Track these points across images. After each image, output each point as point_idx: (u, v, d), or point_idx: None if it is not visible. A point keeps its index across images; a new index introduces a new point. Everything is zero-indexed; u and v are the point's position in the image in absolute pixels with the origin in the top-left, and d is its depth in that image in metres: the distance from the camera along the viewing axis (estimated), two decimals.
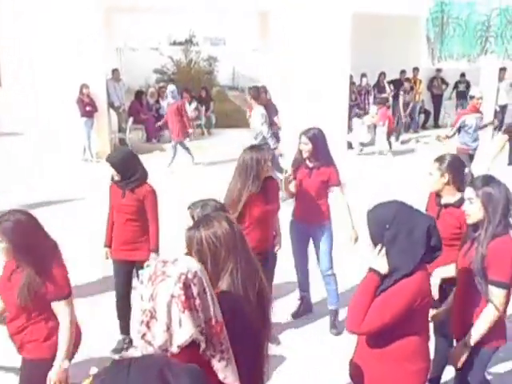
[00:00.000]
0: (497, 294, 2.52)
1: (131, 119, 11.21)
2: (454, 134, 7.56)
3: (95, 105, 10.29)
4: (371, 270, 2.24)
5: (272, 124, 7.66)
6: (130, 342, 4.09)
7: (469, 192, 2.66)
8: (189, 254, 1.93)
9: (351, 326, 2.25)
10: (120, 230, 3.95)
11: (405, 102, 12.84)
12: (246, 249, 2.01)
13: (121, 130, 11.67)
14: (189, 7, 11.37)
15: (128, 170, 3.80)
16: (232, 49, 21.70)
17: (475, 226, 2.65)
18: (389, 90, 12.81)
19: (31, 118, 10.30)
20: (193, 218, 2.61)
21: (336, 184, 4.29)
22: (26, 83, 10.24)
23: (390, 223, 2.19)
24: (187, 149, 9.94)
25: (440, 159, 3.27)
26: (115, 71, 11.45)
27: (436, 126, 14.10)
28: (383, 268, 2.21)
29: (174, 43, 21.03)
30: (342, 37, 10.77)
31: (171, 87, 10.29)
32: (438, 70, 13.57)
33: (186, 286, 1.54)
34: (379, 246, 2.23)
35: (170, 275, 1.54)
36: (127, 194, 3.82)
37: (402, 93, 12.76)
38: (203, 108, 12.51)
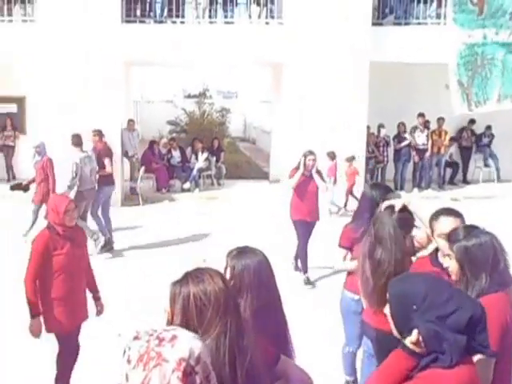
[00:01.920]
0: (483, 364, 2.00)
1: (143, 168, 11.41)
2: None
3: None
4: (403, 347, 1.78)
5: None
6: None
7: (446, 247, 2.40)
8: (171, 310, 1.72)
9: None
10: None
11: (419, 148, 12.22)
12: (239, 314, 1.77)
13: (132, 178, 11.85)
14: (202, 61, 11.78)
15: None
16: (244, 101, 22.30)
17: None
18: (408, 140, 12.24)
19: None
20: (231, 268, 2.25)
21: None
22: (47, 131, 10.57)
23: (418, 304, 1.75)
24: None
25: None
26: (130, 121, 11.77)
27: (465, 181, 13.28)
28: (418, 347, 1.75)
29: (189, 96, 21.67)
30: (359, 87, 10.58)
31: (39, 142, 8.10)
32: (471, 122, 12.81)
33: (187, 375, 1.27)
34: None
35: (167, 359, 1.27)
36: None
37: (416, 135, 12.15)
38: (214, 159, 12.72)
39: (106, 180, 8.00)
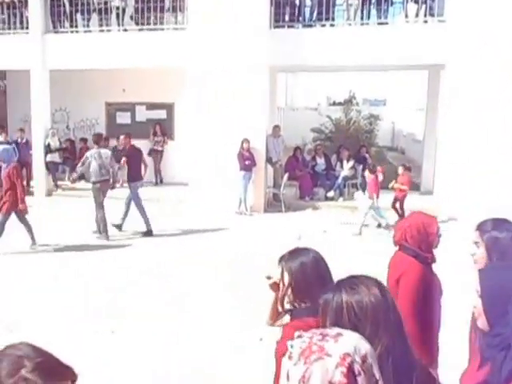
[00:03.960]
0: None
1: (286, 175, 11.20)
2: None
3: (254, 159, 10.51)
4: None
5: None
6: None
7: (475, 235, 2.40)
8: (322, 321, 1.54)
9: None
10: None
11: None
12: (403, 329, 1.51)
13: (275, 185, 11.72)
14: (352, 65, 11.25)
15: None
16: (392, 107, 21.19)
17: None
18: None
19: (196, 169, 10.93)
20: (288, 272, 2.11)
21: None
22: (194, 137, 10.92)
23: None
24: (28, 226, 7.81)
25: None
26: (276, 127, 11.66)
27: None
28: None
29: (334, 103, 21.27)
30: None
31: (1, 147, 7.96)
32: None
33: (351, 372, 1.15)
34: None
35: (330, 354, 1.16)
36: None
37: None
38: (360, 167, 12.07)
39: (133, 176, 8.74)
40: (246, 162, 10.42)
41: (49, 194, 12.28)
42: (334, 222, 9.69)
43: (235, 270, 6.87)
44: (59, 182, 12.59)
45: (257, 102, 10.51)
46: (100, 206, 8.46)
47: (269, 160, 11.27)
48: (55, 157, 12.36)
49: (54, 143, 12.31)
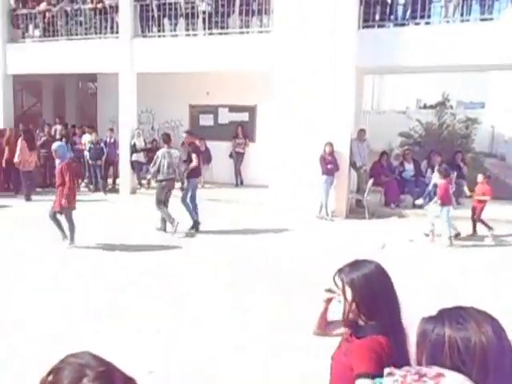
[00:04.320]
0: None
1: (371, 180, 10.59)
2: None
3: (337, 163, 10.06)
4: None
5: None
6: None
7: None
8: (417, 355, 1.33)
9: None
10: None
11: None
12: None
13: (359, 190, 11.15)
14: (444, 66, 10.44)
15: None
16: (493, 111, 19.58)
17: None
18: None
19: (277, 171, 10.71)
20: (351, 286, 1.95)
21: None
22: (276, 140, 10.70)
23: None
24: None
25: None
26: (361, 131, 11.11)
27: None
28: None
29: (424, 106, 20.14)
30: None
31: (55, 146, 8.01)
32: None
33: None
34: None
35: None
36: None
37: None
38: (454, 174, 11.12)
39: (194, 173, 8.88)
40: (329, 165, 10.02)
41: (133, 191, 12.61)
42: (421, 231, 8.97)
43: (308, 277, 6.45)
44: (143, 181, 12.91)
45: (342, 104, 10.09)
46: (160, 203, 8.61)
47: (353, 164, 10.77)
48: (140, 156, 12.66)
49: (140, 143, 12.63)
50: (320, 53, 10.06)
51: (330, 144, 9.99)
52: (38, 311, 5.37)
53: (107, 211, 10.66)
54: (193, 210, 8.85)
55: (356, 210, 10.76)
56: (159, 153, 8.81)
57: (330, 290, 2.09)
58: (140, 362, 4.19)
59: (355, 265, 2.01)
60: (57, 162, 7.80)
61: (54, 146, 7.94)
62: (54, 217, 7.69)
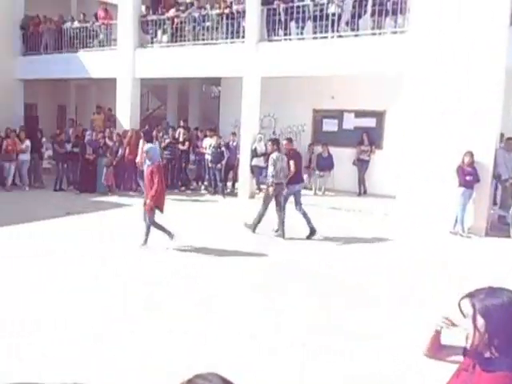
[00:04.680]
0: None
1: None
2: None
3: (477, 175, 9.12)
4: None
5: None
6: None
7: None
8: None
9: None
10: None
11: None
12: None
13: (503, 205, 10.02)
14: None
15: None
16: None
17: None
18: None
19: (406, 181, 10.04)
20: (484, 316, 1.75)
21: None
22: (406, 147, 10.00)
23: None
24: None
25: None
26: (509, 140, 9.96)
27: None
28: None
29: None
30: None
31: (147, 147, 8.20)
32: None
33: None
34: None
35: None
36: None
37: None
38: None
39: (294, 179, 8.83)
40: (467, 177, 9.15)
41: (251, 196, 12.52)
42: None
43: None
44: (262, 186, 12.78)
45: (487, 110, 9.14)
46: (266, 207, 8.69)
47: (497, 176, 9.70)
48: (260, 161, 12.53)
49: (260, 148, 12.50)
50: (462, 53, 9.23)
51: (471, 154, 9.11)
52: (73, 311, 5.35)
53: (214, 213, 10.80)
54: (303, 217, 8.75)
55: (498, 227, 9.74)
56: (275, 156, 8.66)
57: (452, 324, 1.95)
58: (168, 362, 4.15)
59: (491, 292, 1.80)
60: (146, 164, 7.91)
61: (146, 147, 8.13)
62: (153, 222, 7.72)
